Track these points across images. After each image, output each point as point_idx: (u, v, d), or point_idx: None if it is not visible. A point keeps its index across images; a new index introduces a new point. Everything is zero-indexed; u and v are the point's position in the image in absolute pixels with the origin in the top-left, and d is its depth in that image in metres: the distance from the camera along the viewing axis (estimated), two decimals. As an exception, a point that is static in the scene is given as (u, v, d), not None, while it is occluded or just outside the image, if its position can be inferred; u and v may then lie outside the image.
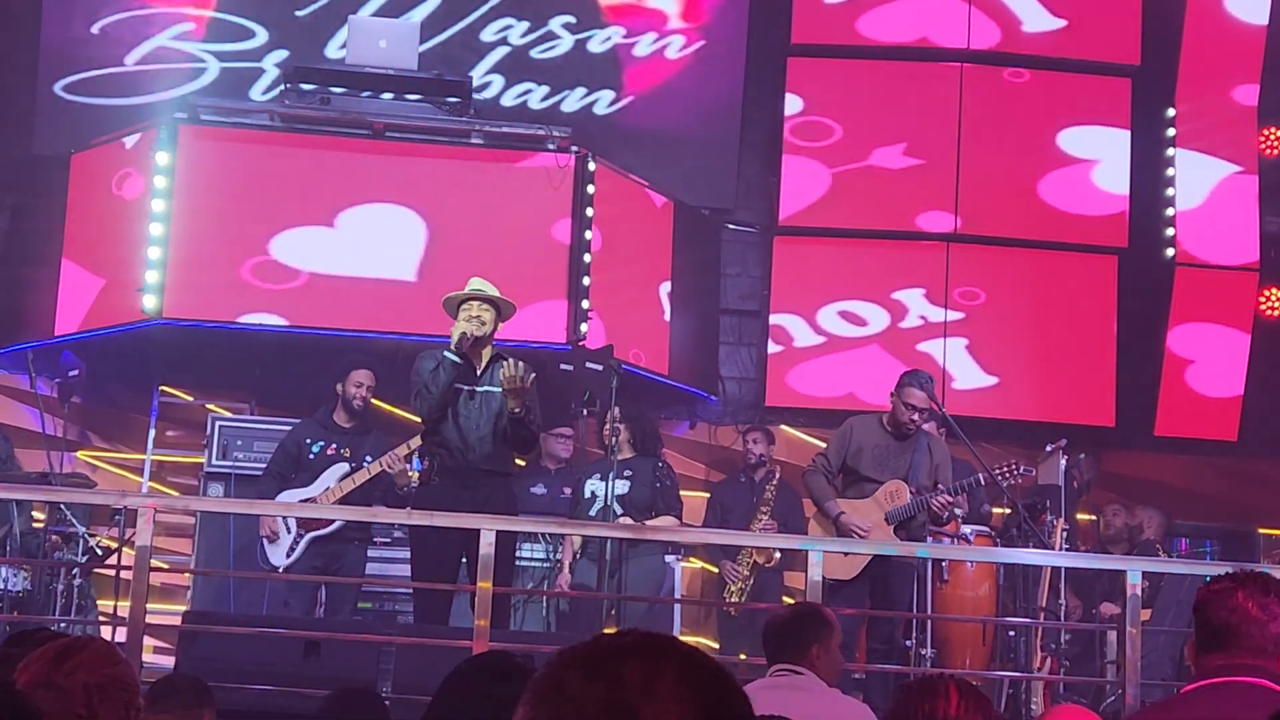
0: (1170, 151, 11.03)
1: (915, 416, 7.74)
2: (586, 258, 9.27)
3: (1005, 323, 10.86)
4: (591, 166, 9.37)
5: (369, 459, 8.15)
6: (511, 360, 7.15)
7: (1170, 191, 10.98)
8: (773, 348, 10.81)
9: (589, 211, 9.31)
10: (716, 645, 9.29)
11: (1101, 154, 10.99)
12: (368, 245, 9.15)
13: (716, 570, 9.41)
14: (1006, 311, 10.87)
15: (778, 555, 9.01)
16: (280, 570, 8.09)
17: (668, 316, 10.06)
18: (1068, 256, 10.95)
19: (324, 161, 9.26)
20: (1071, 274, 10.93)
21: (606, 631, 1.54)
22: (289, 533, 8.16)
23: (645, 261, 9.95)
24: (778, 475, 9.16)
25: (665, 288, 10.05)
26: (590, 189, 9.34)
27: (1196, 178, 11.03)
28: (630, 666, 1.42)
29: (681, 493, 8.57)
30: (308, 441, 8.35)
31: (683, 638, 1.61)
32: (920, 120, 10.93)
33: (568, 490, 8.69)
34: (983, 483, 7.90)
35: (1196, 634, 2.95)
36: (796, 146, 10.95)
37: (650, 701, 1.40)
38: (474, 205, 9.20)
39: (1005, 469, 7.89)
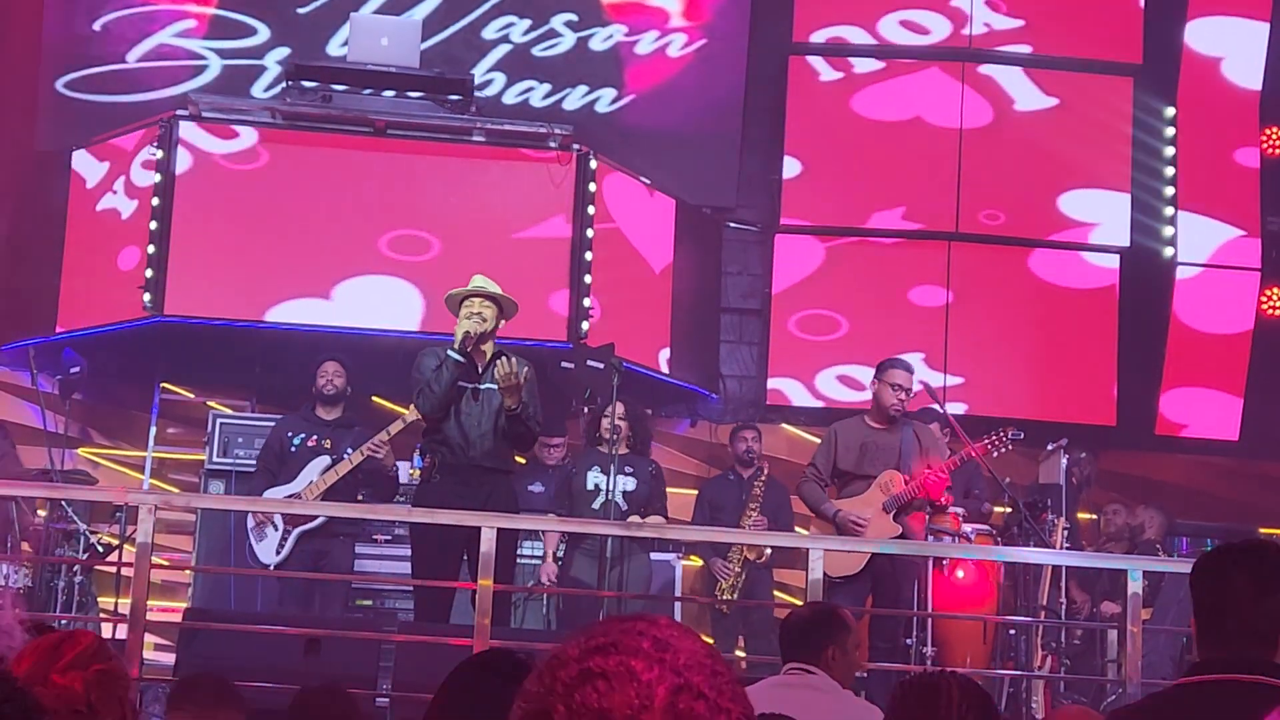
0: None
1: (902, 396, 7.75)
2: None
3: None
4: (593, 164, 9.36)
5: (349, 450, 8.14)
6: (506, 357, 7.14)
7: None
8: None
9: (590, 210, 9.29)
10: (710, 643, 9.28)
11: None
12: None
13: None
14: (1005, 329, 10.80)
15: (768, 551, 9.02)
16: (271, 567, 8.09)
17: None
18: (1068, 257, 10.95)
19: (326, 166, 9.24)
20: (1072, 276, 10.94)
21: (595, 624, 1.48)
22: (276, 529, 8.15)
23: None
24: (766, 471, 9.18)
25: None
26: (591, 187, 9.33)
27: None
28: (618, 699, 1.37)
29: (679, 491, 8.59)
30: (289, 435, 8.35)
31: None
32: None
33: (565, 489, 8.70)
34: (972, 456, 7.90)
35: (1194, 613, 2.66)
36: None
37: None
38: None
39: (993, 439, 7.88)
